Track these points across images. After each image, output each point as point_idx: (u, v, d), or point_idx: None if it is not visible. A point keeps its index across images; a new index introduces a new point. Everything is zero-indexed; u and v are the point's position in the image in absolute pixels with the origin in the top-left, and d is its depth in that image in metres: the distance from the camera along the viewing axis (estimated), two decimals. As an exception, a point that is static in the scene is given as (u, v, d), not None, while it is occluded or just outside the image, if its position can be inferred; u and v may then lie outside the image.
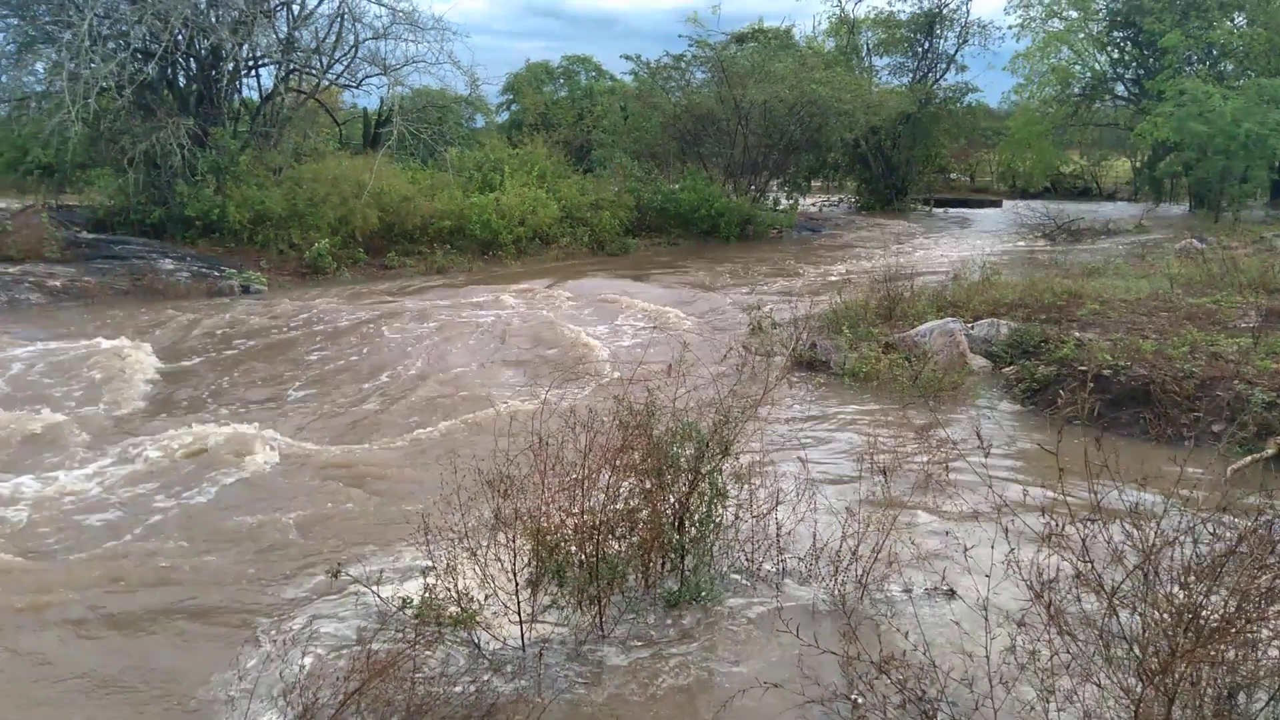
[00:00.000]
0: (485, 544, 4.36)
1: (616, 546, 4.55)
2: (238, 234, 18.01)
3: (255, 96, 21.85)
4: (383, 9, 21.07)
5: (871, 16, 34.69)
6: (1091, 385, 7.74)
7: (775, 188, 29.35)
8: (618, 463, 4.49)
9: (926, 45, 34.40)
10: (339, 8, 21.02)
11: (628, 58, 26.65)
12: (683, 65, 25.31)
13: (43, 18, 18.19)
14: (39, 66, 18.94)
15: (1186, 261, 16.00)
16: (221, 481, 6.33)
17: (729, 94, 23.62)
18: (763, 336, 11.30)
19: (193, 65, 20.06)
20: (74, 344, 10.43)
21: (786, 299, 14.09)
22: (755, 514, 5.00)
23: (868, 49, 35.79)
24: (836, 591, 4.69)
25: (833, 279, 16.52)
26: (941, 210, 36.02)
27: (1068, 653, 3.46)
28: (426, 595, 4.33)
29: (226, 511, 5.93)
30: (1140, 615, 3.48)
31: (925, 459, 6.58)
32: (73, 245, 16.63)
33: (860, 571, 4.72)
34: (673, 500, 4.59)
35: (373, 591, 4.35)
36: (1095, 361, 8.10)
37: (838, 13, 35.11)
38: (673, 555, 4.67)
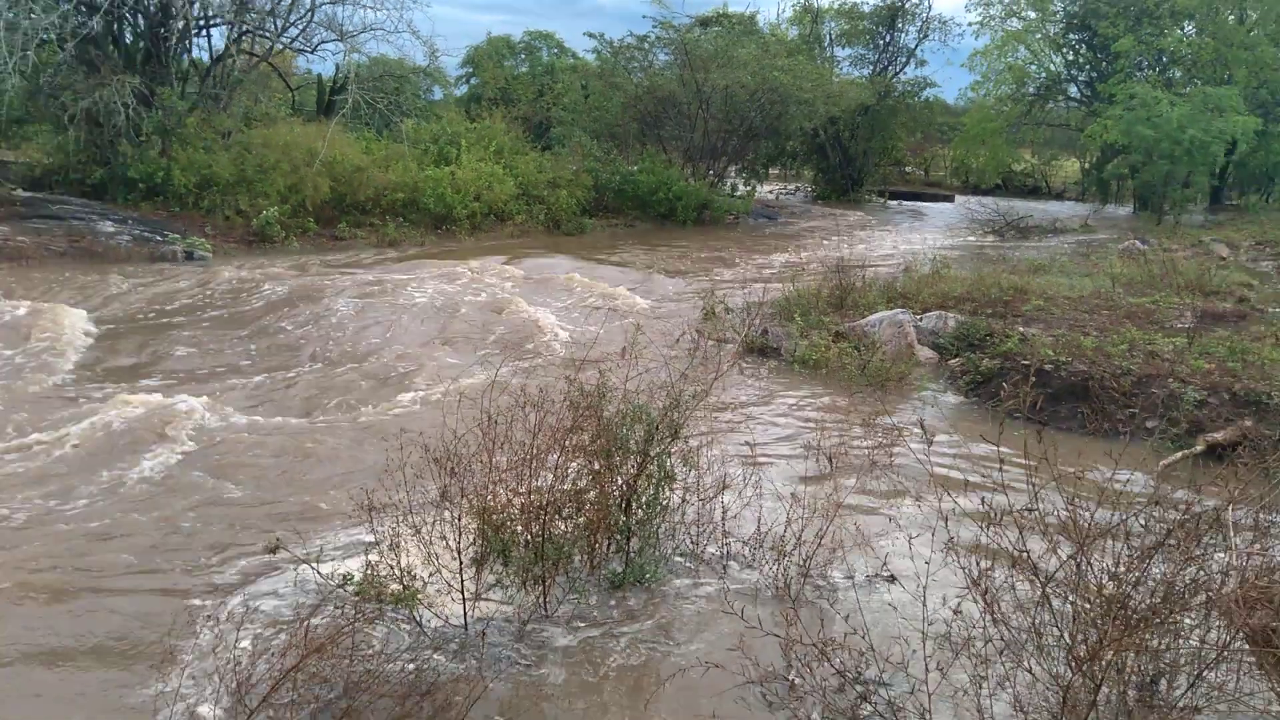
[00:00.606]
0: (430, 521, 4.32)
1: (563, 527, 4.54)
2: (183, 198, 17.52)
3: (205, 57, 21.25)
4: (340, -28, 20.59)
5: (835, 7, 34.85)
6: (1034, 380, 7.90)
7: (733, 174, 29.42)
8: (567, 443, 4.47)
9: (888, 38, 34.68)
10: (295, -31, 20.50)
11: (591, 35, 26.48)
12: (646, 46, 25.15)
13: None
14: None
15: (1128, 262, 16.44)
16: (157, 455, 6.16)
17: (691, 77, 23.55)
18: (715, 322, 11.37)
19: (140, 21, 19.39)
20: (5, 306, 10.07)
21: (740, 285, 14.16)
22: (702, 498, 5.02)
23: (830, 39, 35.94)
24: (779, 576, 4.74)
25: (786, 267, 16.63)
26: (895, 202, 36.44)
27: (1001, 639, 3.54)
28: (368, 572, 4.28)
29: (161, 487, 5.78)
30: (1071, 604, 3.59)
31: (870, 447, 6.67)
32: (6, 203, 15.99)
33: (803, 557, 4.77)
34: (620, 482, 4.59)
35: (313, 568, 4.29)
36: (1038, 356, 8.28)
37: (802, 1, 35.18)
38: (618, 537, 4.67)
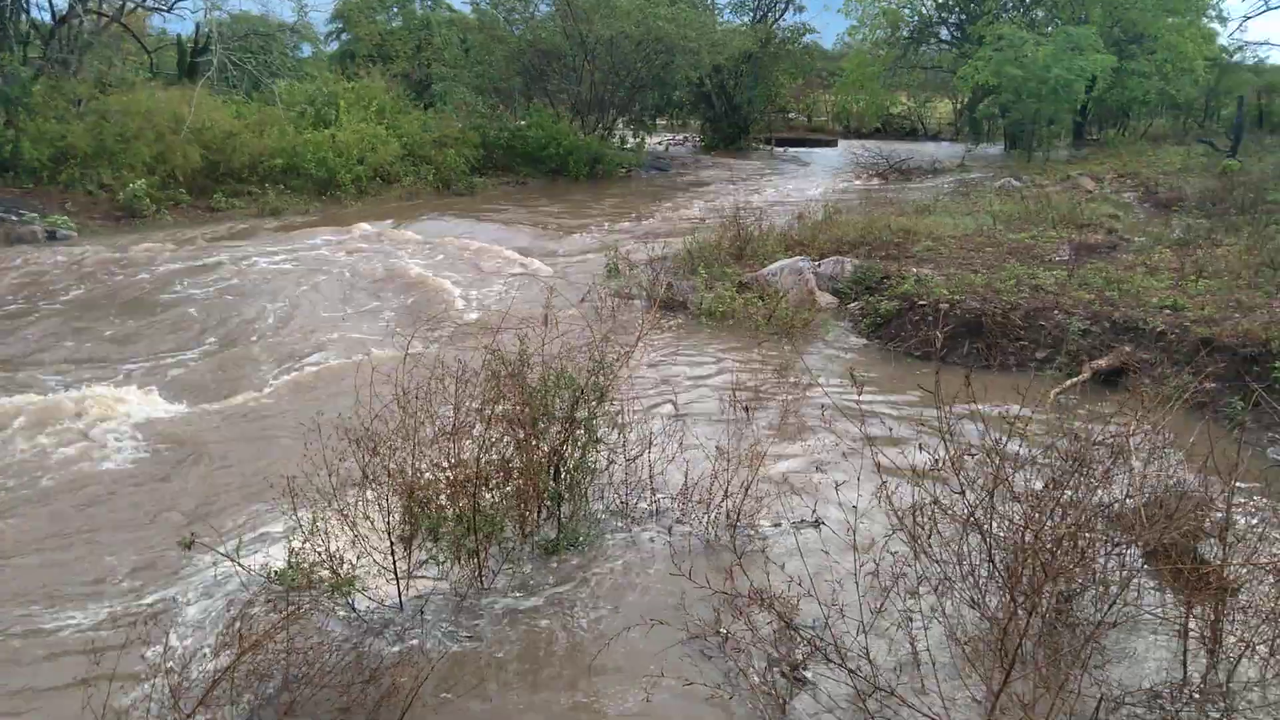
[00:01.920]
0: (354, 503, 4.19)
1: (490, 498, 4.49)
2: (36, 173, 16.26)
3: (48, 19, 19.60)
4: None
5: (712, -47, 34.66)
6: (940, 320, 8.21)
7: (621, 126, 29.20)
8: (489, 413, 4.40)
9: (767, -16, 34.80)
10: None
11: (469, -15, 25.52)
12: (527, -3, 24.55)
13: None
14: None
15: (1005, 199, 17.15)
16: (50, 454, 5.77)
17: (575, 29, 23.13)
18: (619, 279, 11.33)
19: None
20: None
21: (640, 239, 14.14)
22: (627, 457, 5.04)
23: (710, -14, 35.81)
24: (709, 529, 4.83)
25: (685, 219, 16.69)
26: (782, 149, 36.92)
27: (930, 575, 3.70)
28: (294, 560, 4.14)
29: (62, 487, 5.43)
30: (989, 535, 3.77)
31: (784, 396, 6.82)
32: None
33: (731, 508, 4.87)
34: (546, 449, 4.56)
35: (234, 561, 4.12)
36: (934, 296, 8.59)
37: (679, -51, 34.84)
38: (549, 503, 4.65)
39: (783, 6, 35.09)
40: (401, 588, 4.09)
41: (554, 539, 4.62)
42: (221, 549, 4.26)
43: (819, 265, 11.01)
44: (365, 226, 14.64)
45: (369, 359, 6.68)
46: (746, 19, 35.14)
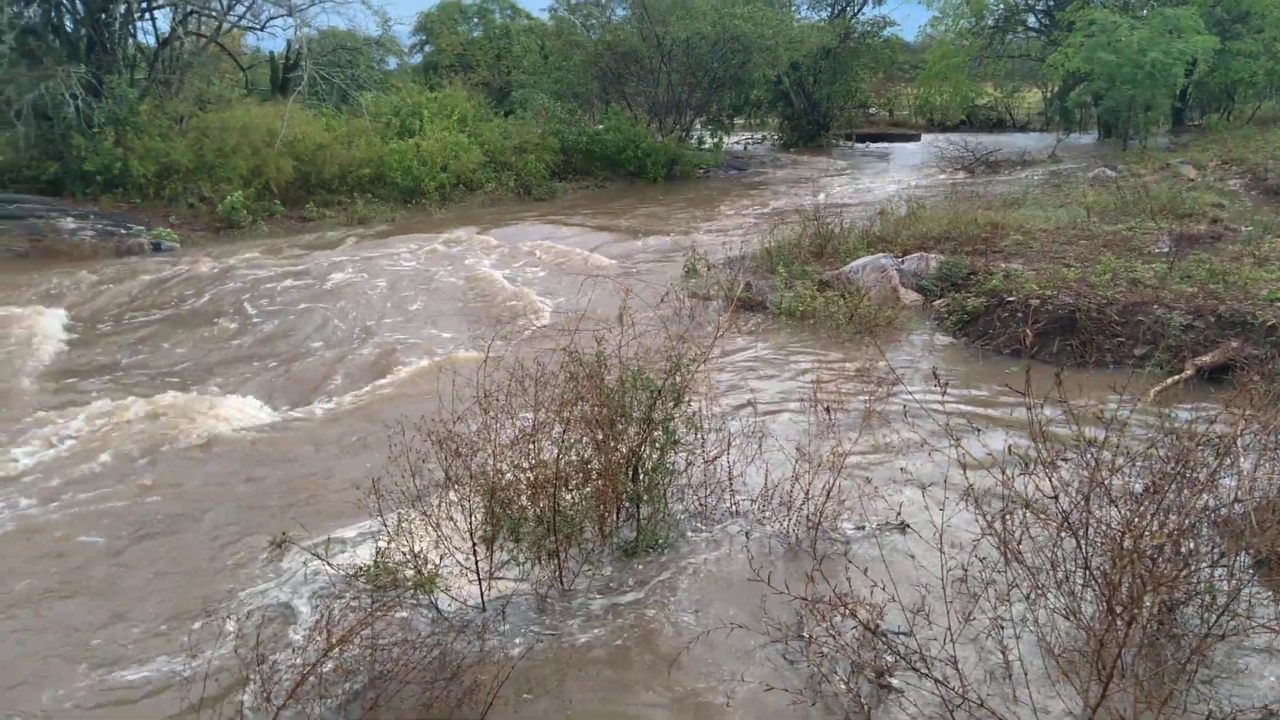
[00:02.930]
0: (437, 504, 4.27)
1: (571, 499, 4.51)
2: (143, 189, 17.11)
3: (151, 41, 20.63)
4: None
5: (789, -50, 34.27)
6: (1029, 316, 7.94)
7: (699, 126, 29.12)
8: (568, 414, 4.43)
9: (845, -22, 34.26)
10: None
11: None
12: (603, 1, 24.68)
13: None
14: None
15: (1100, 190, 16.49)
16: (150, 457, 6.05)
17: (651, 30, 23.17)
18: (697, 279, 11.30)
19: (79, 7, 18.73)
20: (-27, 313, 9.82)
21: (719, 239, 14.08)
22: (707, 459, 5.01)
23: (786, -17, 35.45)
24: (790, 532, 4.76)
25: (763, 217, 16.54)
26: (863, 145, 36.32)
27: (1021, 581, 3.56)
28: (380, 560, 4.24)
29: (160, 489, 5.68)
30: (1085, 541, 3.61)
31: (867, 395, 6.68)
32: (-40, 206, 15.56)
33: (813, 510, 4.78)
34: (625, 450, 4.56)
35: (324, 559, 4.24)
36: (1023, 292, 8.30)
37: (756, -54, 34.58)
38: (628, 505, 4.66)
39: (861, 1, 34.48)
40: (483, 588, 4.15)
41: (633, 541, 4.61)
42: (310, 547, 4.40)
43: (902, 262, 10.77)
44: (448, 233, 14.95)
45: (450, 362, 6.81)
46: (824, 14, 34.65)
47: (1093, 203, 14.55)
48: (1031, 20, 32.14)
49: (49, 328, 9.33)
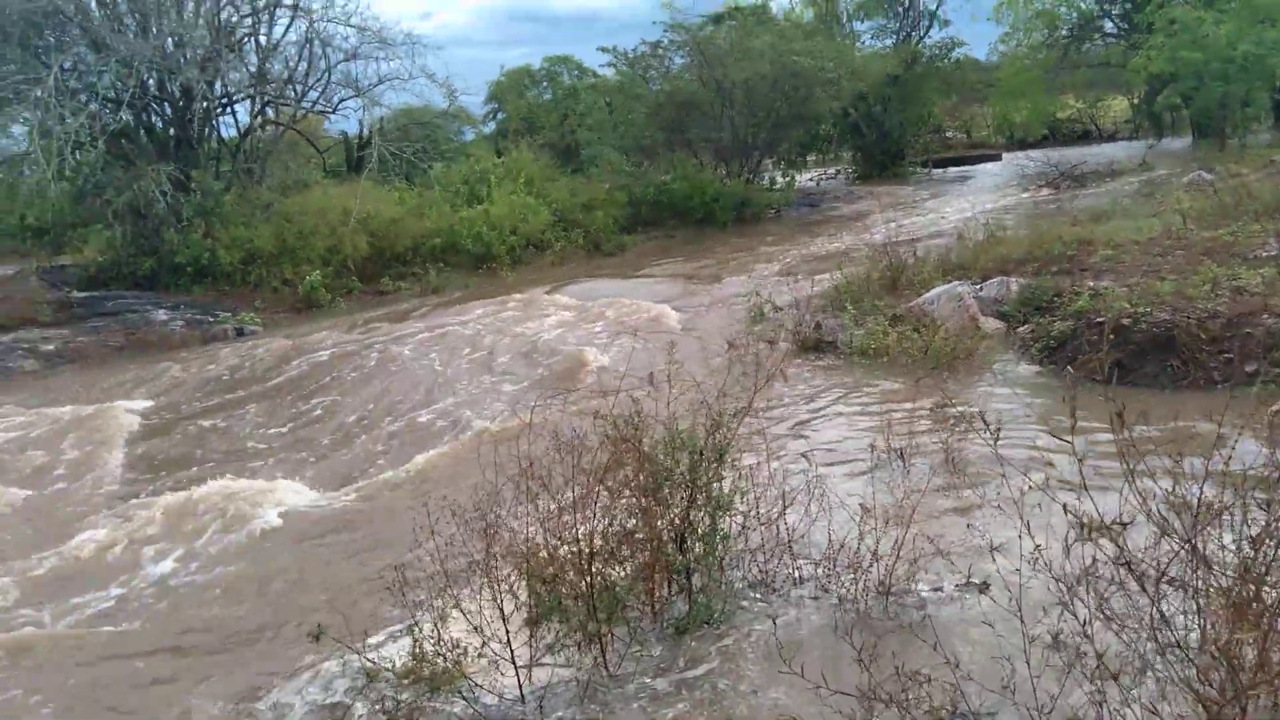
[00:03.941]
0: (472, 588, 4.04)
1: (616, 573, 4.22)
2: (230, 276, 17.81)
3: (234, 133, 21.67)
4: (350, 29, 20.83)
5: (849, -19, 34.14)
6: (1111, 337, 7.33)
7: (770, 166, 28.92)
8: (606, 483, 4.16)
9: (907, 4, 33.80)
10: (306, 34, 20.81)
11: (605, 50, 26.22)
12: (660, 52, 24.87)
13: (12, 76, 17.95)
14: (15, 129, 18.77)
15: (1196, 194, 15.47)
16: (196, 546, 6.02)
17: (709, 76, 23.18)
18: (764, 323, 10.95)
19: (166, 109, 19.85)
20: (62, 410, 10.20)
21: (789, 280, 13.72)
22: (764, 520, 4.64)
23: (847, 15, 35.23)
24: (859, 597, 4.34)
25: (833, 254, 16.10)
26: (940, 170, 35.43)
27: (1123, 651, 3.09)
28: (415, 650, 4.01)
29: (203, 578, 5.63)
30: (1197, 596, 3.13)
31: (941, 439, 6.20)
32: (65, 306, 16.45)
33: (882, 572, 4.36)
34: (671, 517, 4.25)
35: (358, 653, 4.04)
36: (1112, 311, 7.68)
37: (813, -18, 34.57)
38: (678, 576, 4.33)
39: (926, 24, 33.92)
40: (521, 678, 3.87)
41: (684, 616, 4.27)
42: (348, 640, 4.20)
43: (980, 289, 10.20)
44: (516, 295, 15.00)
45: (500, 428, 6.63)
46: (889, 41, 34.20)
47: (1188, 209, 13.62)
48: (1109, 26, 30.98)
49: (127, 422, 9.60)
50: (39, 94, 16.63)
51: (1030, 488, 3.87)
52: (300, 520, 6.30)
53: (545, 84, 37.45)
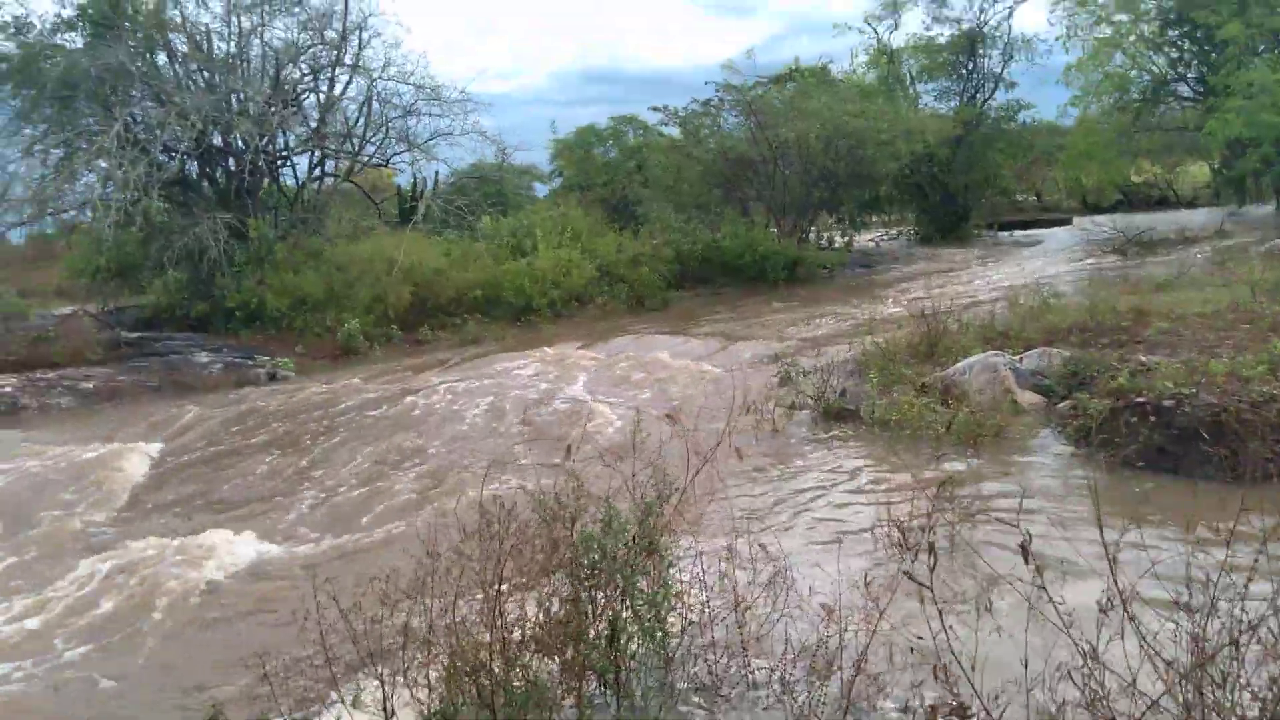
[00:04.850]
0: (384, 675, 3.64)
1: (545, 666, 3.79)
2: (277, 321, 18.02)
3: (292, 182, 22.22)
4: (407, 86, 21.26)
5: (911, 44, 33.85)
6: (1151, 419, 6.66)
7: (830, 226, 28.49)
8: (530, 569, 3.74)
9: (970, 66, 33.32)
10: (366, 91, 21.30)
11: (656, 109, 26.31)
12: (712, 111, 24.82)
13: (82, 127, 18.68)
14: (89, 176, 19.46)
15: (1273, 264, 14.53)
16: (147, 607, 5.71)
17: (761, 135, 22.98)
18: (790, 387, 10.44)
19: (230, 161, 20.42)
20: (80, 449, 10.21)
21: (824, 343, 13.20)
22: (715, 615, 4.15)
23: (910, 77, 34.89)
24: (813, 712, 3.79)
25: (879, 317, 15.50)
26: (1007, 233, 34.52)
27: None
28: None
29: (128, 648, 5.32)
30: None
31: (952, 524, 5.61)
32: (116, 346, 16.77)
33: (843, 684, 3.81)
34: (598, 609, 3.80)
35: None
36: (1154, 391, 6.99)
37: (875, 45, 34.37)
38: (605, 676, 3.86)
39: (991, 86, 33.34)
40: (407, 790, 3.43)
41: (613, 722, 3.79)
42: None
43: (1021, 360, 9.53)
44: (548, 350, 14.76)
45: (457, 500, 6.24)
46: (954, 104, 33.65)
47: (1260, 280, 12.73)
48: (1183, 89, 29.96)
49: (137, 463, 9.53)
50: (105, 143, 17.24)
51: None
52: (245, 582, 5.97)
53: (611, 142, 37.79)
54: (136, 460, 9.69)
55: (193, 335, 18.07)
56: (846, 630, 3.90)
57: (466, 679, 3.71)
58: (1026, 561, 3.22)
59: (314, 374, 15.23)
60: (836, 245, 26.94)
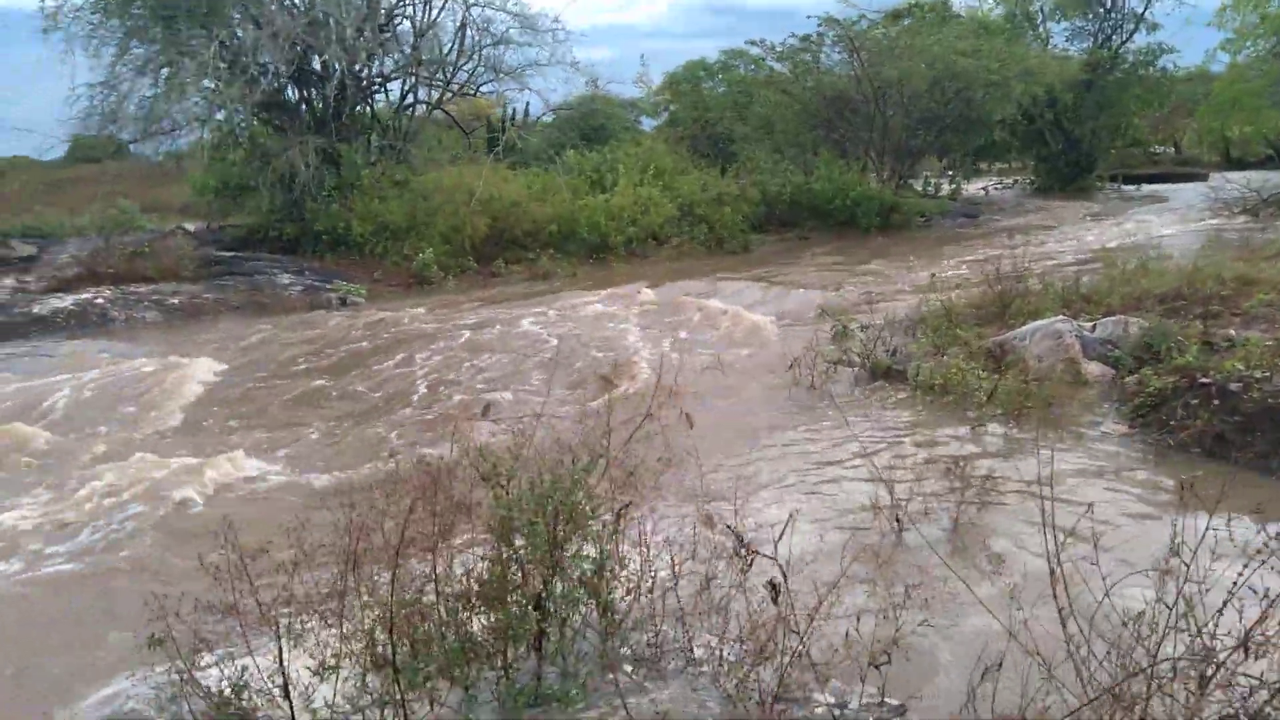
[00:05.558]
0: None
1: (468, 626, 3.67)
2: (361, 247, 18.36)
3: (386, 108, 22.39)
4: (502, 14, 21.01)
5: (1043, -23, 31.43)
6: (1215, 402, 6.01)
7: (940, 172, 27.07)
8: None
9: (1109, 4, 30.71)
10: (462, 18, 21.16)
11: (753, 43, 25.25)
12: (812, 47, 23.65)
13: (190, 47, 19.16)
14: (194, 98, 20.07)
15: None
16: (125, 524, 5.87)
17: (864, 74, 21.81)
18: (849, 341, 9.95)
19: (327, 87, 20.69)
20: (150, 364, 10.65)
21: (899, 297, 12.56)
22: (651, 588, 3.94)
23: (1043, 14, 32.46)
24: (745, 699, 3.56)
25: (968, 271, 14.64)
26: (1133, 187, 32.10)
27: None
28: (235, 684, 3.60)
29: (94, 564, 5.48)
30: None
31: (960, 503, 5.21)
32: (208, 264, 17.43)
33: (778, 669, 3.56)
34: (527, 573, 3.64)
35: (184, 673, 3.67)
36: (1222, 372, 6.29)
37: (1007, -23, 32.07)
38: (528, 642, 3.70)
39: (1131, 27, 30.67)
40: (302, 739, 3.37)
41: (533, 689, 3.64)
42: (189, 653, 3.86)
43: (1094, 327, 8.80)
44: (614, 289, 14.56)
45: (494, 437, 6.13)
46: (1085, 45, 31.18)
47: (1399, 251, 11.39)
48: (1354, 34, 26.86)
49: (196, 377, 9.86)
50: (205, 60, 17.70)
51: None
52: (238, 503, 6.06)
53: (720, 77, 36.65)
54: (198, 377, 10.01)
55: (281, 257, 18.59)
56: (793, 612, 3.64)
57: (400, 630, 3.63)
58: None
59: (385, 301, 15.48)
60: (942, 193, 25.58)
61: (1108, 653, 2.73)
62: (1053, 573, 2.82)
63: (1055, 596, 2.80)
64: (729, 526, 4.15)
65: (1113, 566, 3.01)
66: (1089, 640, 2.82)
